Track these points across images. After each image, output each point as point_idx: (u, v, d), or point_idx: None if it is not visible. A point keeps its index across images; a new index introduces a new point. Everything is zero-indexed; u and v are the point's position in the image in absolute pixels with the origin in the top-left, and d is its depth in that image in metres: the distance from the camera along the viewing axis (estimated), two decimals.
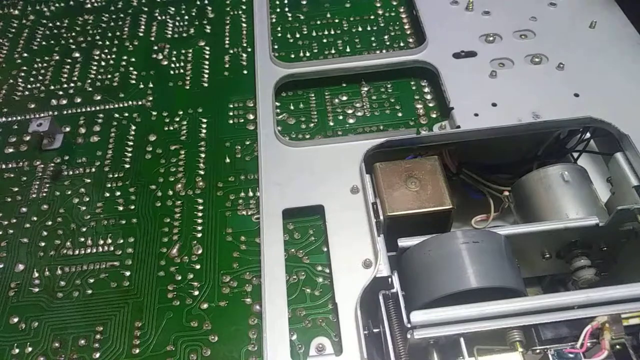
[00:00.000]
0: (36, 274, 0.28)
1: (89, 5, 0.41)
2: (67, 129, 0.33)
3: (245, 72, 0.35)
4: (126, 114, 0.34)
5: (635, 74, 0.31)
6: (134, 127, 0.33)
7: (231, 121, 0.33)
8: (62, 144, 0.33)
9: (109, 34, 0.38)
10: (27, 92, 0.36)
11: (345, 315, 0.24)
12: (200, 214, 0.29)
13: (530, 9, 0.35)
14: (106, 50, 0.37)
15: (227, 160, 0.31)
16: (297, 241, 0.27)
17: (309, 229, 0.28)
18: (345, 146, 0.29)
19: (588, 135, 0.30)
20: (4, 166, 0.32)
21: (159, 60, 0.36)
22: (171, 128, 0.33)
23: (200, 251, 0.28)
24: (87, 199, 0.30)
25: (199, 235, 0.28)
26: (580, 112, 0.29)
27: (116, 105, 0.34)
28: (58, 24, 0.40)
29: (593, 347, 0.20)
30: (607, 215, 0.24)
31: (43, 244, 0.29)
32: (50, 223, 0.29)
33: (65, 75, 0.36)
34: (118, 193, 0.30)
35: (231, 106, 0.33)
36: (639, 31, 0.33)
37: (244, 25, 0.38)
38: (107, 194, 0.30)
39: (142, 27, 0.39)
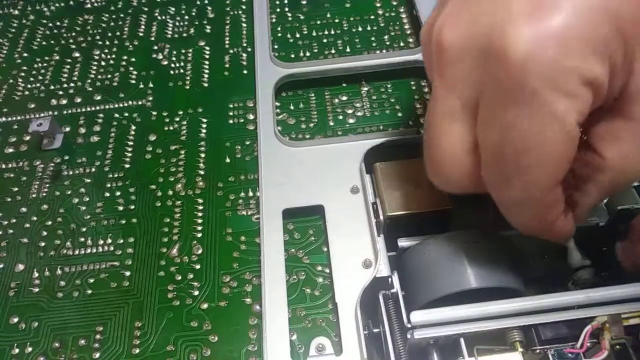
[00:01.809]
0: (36, 274, 0.28)
1: (89, 5, 0.41)
2: (67, 129, 0.33)
3: (245, 72, 0.35)
4: (126, 114, 0.34)
5: None
6: (134, 127, 0.33)
7: (231, 121, 0.33)
8: (62, 144, 0.33)
9: (109, 34, 0.38)
10: (27, 92, 0.36)
11: (345, 315, 0.24)
12: (200, 214, 0.29)
13: None
14: (106, 50, 0.37)
15: (227, 160, 0.31)
16: (297, 241, 0.27)
17: (309, 229, 0.28)
18: (345, 146, 0.29)
19: None
20: (3, 166, 0.32)
21: (159, 60, 0.36)
22: (171, 128, 0.33)
23: (200, 251, 0.28)
24: (87, 199, 0.30)
25: (199, 235, 0.28)
26: None
27: (116, 105, 0.34)
28: (58, 23, 0.40)
29: (593, 347, 0.20)
30: (607, 215, 0.24)
31: (43, 244, 0.29)
32: (50, 223, 0.29)
33: (65, 75, 0.36)
34: (118, 193, 0.30)
35: (231, 106, 0.33)
36: None
37: (244, 25, 0.38)
38: (107, 194, 0.30)
39: (142, 27, 0.39)
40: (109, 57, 0.37)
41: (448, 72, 0.19)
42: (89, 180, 0.31)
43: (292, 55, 0.36)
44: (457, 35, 0.18)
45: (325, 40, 0.36)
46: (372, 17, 0.38)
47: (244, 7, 0.39)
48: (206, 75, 0.35)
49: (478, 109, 0.18)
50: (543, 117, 0.17)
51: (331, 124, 0.32)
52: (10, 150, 0.33)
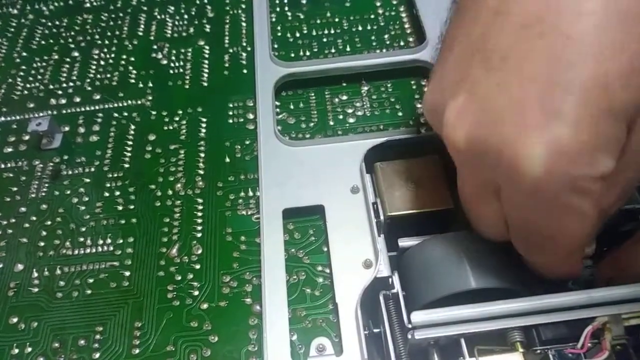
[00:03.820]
0: (35, 274, 0.27)
1: (88, 5, 0.41)
2: (67, 129, 0.33)
3: (245, 71, 0.35)
4: (125, 114, 0.34)
5: None
6: (133, 127, 0.33)
7: (231, 121, 0.33)
8: (61, 144, 0.32)
9: (108, 33, 0.38)
10: (26, 92, 0.36)
11: (346, 315, 0.24)
12: (200, 214, 0.29)
13: None
14: (105, 50, 0.37)
15: (227, 159, 0.31)
16: (297, 241, 0.27)
17: (309, 229, 0.28)
18: (346, 146, 0.29)
19: None
20: (2, 166, 0.32)
21: (159, 60, 0.36)
22: (171, 127, 0.33)
23: (200, 251, 0.27)
24: (87, 199, 0.30)
25: (199, 235, 0.28)
26: None
27: (115, 105, 0.34)
28: (57, 23, 0.40)
29: (594, 348, 0.20)
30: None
31: (42, 243, 0.29)
32: (49, 223, 0.29)
33: (65, 75, 0.36)
34: (117, 193, 0.30)
35: (231, 105, 0.33)
36: None
37: (244, 24, 0.38)
38: (107, 194, 0.30)
39: (142, 26, 0.39)
40: (108, 56, 0.37)
41: (464, 168, 0.21)
42: (88, 180, 0.31)
43: (292, 55, 0.36)
44: (467, 140, 0.19)
45: (325, 40, 0.36)
46: (372, 16, 0.37)
47: (243, 6, 0.39)
48: (206, 75, 0.35)
49: (500, 190, 0.19)
50: (561, 214, 0.18)
51: (331, 123, 0.32)
52: (9, 149, 0.33)
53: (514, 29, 0.18)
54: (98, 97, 0.35)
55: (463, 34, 0.20)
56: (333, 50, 0.36)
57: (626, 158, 0.18)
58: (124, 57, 0.37)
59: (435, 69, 0.23)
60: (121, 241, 0.28)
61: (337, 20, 0.38)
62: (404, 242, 0.23)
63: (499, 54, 0.18)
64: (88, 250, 0.28)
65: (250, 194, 0.29)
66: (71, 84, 0.36)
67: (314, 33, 0.37)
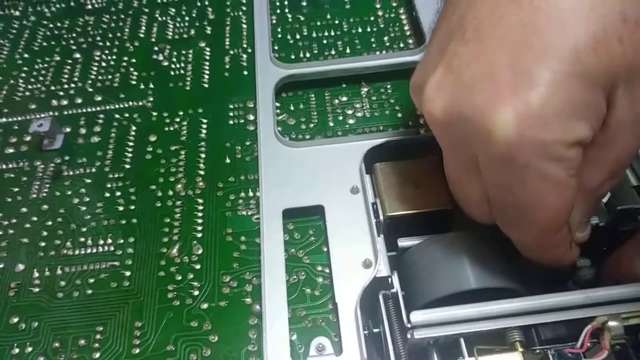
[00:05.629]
0: (36, 274, 0.28)
1: (89, 7, 0.41)
2: (68, 130, 0.33)
3: (245, 72, 0.35)
4: (126, 115, 0.34)
5: None
6: (134, 128, 0.33)
7: (231, 122, 0.33)
8: (63, 145, 0.33)
9: (110, 35, 0.39)
10: (27, 93, 0.36)
11: (345, 315, 0.24)
12: (200, 214, 0.29)
13: None
14: (107, 51, 0.38)
15: (227, 160, 0.31)
16: (297, 241, 0.27)
17: (309, 229, 0.28)
18: (345, 146, 0.29)
19: None
20: (4, 166, 0.32)
21: (160, 61, 0.37)
22: (171, 129, 0.33)
23: (200, 251, 0.28)
24: (87, 199, 0.30)
25: (199, 235, 0.28)
26: None
27: (116, 106, 0.34)
28: (59, 24, 0.40)
29: (593, 347, 0.20)
30: (607, 215, 0.24)
31: (43, 244, 0.29)
32: (50, 223, 0.29)
33: (66, 76, 0.36)
34: (118, 193, 0.30)
35: (231, 107, 0.33)
36: None
37: (244, 26, 0.38)
38: (107, 194, 0.30)
39: (143, 28, 0.39)
40: (109, 58, 0.37)
41: (442, 140, 0.21)
42: (89, 181, 0.31)
43: (292, 56, 0.36)
44: (444, 111, 0.19)
45: (325, 41, 0.37)
46: (372, 18, 0.38)
47: (244, 8, 0.39)
48: (206, 76, 0.35)
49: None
50: (536, 182, 0.18)
51: (331, 124, 0.32)
52: (11, 150, 0.33)
53: (488, 3, 0.18)
54: (99, 98, 0.35)
55: (443, 21, 0.21)
56: (333, 52, 0.36)
57: (609, 132, 0.18)
58: (125, 58, 0.37)
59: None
60: (122, 241, 0.28)
61: (337, 22, 0.38)
62: (403, 242, 0.24)
63: (473, 26, 0.19)
64: (89, 251, 0.28)
65: (251, 194, 0.29)
66: (72, 85, 0.36)
67: (314, 35, 0.37)
